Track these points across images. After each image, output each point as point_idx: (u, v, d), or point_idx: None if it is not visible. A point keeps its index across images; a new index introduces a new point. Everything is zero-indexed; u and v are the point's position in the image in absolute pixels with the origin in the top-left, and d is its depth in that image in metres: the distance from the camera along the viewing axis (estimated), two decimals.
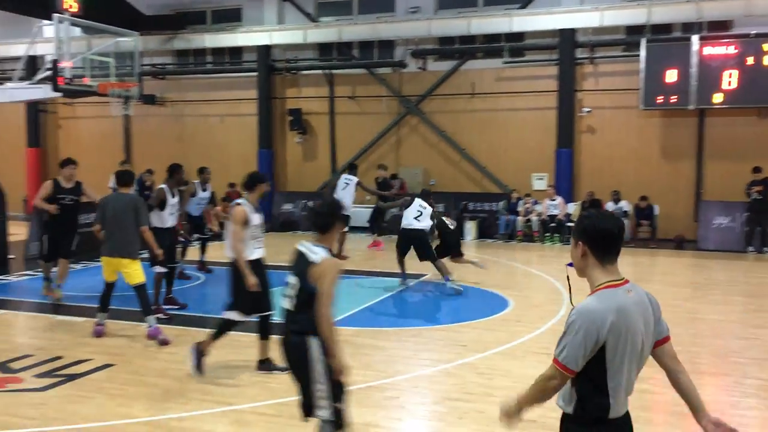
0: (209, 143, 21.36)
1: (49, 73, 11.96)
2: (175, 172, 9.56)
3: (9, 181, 15.56)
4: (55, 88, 11.75)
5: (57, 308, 9.44)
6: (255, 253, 6.67)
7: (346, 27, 19.61)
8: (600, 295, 2.80)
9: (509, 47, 18.43)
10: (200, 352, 6.60)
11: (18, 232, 14.72)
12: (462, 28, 18.55)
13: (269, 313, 6.75)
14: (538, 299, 10.61)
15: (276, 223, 19.88)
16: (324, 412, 4.21)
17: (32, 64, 17.47)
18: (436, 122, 19.51)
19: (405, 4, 19.30)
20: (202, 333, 8.23)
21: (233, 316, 6.61)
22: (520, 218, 17.54)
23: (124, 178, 8.31)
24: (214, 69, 21.57)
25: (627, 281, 2.86)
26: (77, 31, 14.41)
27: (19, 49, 21.48)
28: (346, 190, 13.78)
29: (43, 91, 12.43)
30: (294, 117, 20.42)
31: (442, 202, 18.28)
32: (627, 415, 2.89)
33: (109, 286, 8.18)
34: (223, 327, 6.67)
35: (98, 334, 8.10)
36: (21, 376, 6.57)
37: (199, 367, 6.56)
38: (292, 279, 4.30)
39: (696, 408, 2.92)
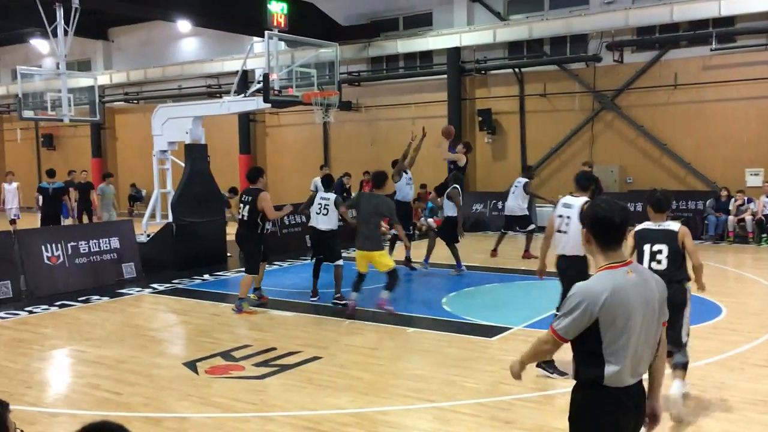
0: (401, 146, 21.88)
1: (260, 85, 12.96)
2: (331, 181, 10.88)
3: (225, 186, 17.12)
4: (266, 100, 12.71)
5: (270, 303, 10.24)
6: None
7: (536, 23, 19.24)
8: (599, 275, 3.08)
9: (718, 33, 17.03)
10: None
11: (234, 232, 16.14)
12: (664, 15, 17.42)
13: None
14: (755, 306, 9.70)
15: (467, 224, 19.98)
16: (682, 357, 5.78)
17: (243, 78, 19.10)
18: (633, 117, 18.53)
19: None
20: (402, 331, 8.51)
21: None
22: (731, 217, 16.12)
23: (377, 180, 9.47)
24: (406, 73, 22.14)
25: (629, 263, 3.10)
26: (282, 45, 15.51)
27: (230, 65, 23.66)
28: (516, 193, 14.32)
29: (255, 103, 13.49)
30: (483, 117, 20.40)
31: (639, 201, 17.32)
32: (634, 387, 3.06)
33: (361, 276, 9.39)
34: None
35: (351, 310, 9.26)
36: (242, 364, 7.22)
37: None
38: (658, 246, 5.78)
39: (651, 390, 3.24)
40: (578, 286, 3.06)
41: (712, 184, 17.36)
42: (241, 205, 9.79)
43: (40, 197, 16.20)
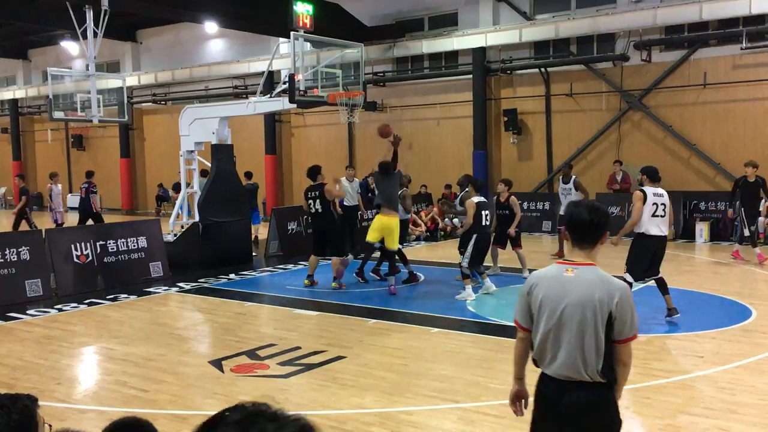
0: (426, 146, 21.95)
1: (285, 86, 13.03)
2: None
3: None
4: (291, 100, 12.77)
5: (295, 302, 10.30)
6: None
7: (563, 23, 19.08)
8: (546, 267, 3.41)
9: (748, 32, 16.76)
10: None
11: (259, 232, 16.27)
12: (693, 14, 17.17)
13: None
14: None
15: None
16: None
17: (269, 78, 19.18)
18: (661, 117, 18.30)
19: None
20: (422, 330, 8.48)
21: (628, 278, 8.18)
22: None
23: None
24: (431, 73, 22.09)
25: (580, 264, 3.25)
26: (307, 46, 15.56)
27: (256, 66, 23.80)
28: (573, 192, 14.24)
29: (281, 103, 13.58)
30: (509, 117, 20.28)
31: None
32: (553, 382, 3.24)
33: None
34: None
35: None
36: (267, 363, 7.25)
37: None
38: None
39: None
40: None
41: None
42: (310, 201, 11.19)
43: None
